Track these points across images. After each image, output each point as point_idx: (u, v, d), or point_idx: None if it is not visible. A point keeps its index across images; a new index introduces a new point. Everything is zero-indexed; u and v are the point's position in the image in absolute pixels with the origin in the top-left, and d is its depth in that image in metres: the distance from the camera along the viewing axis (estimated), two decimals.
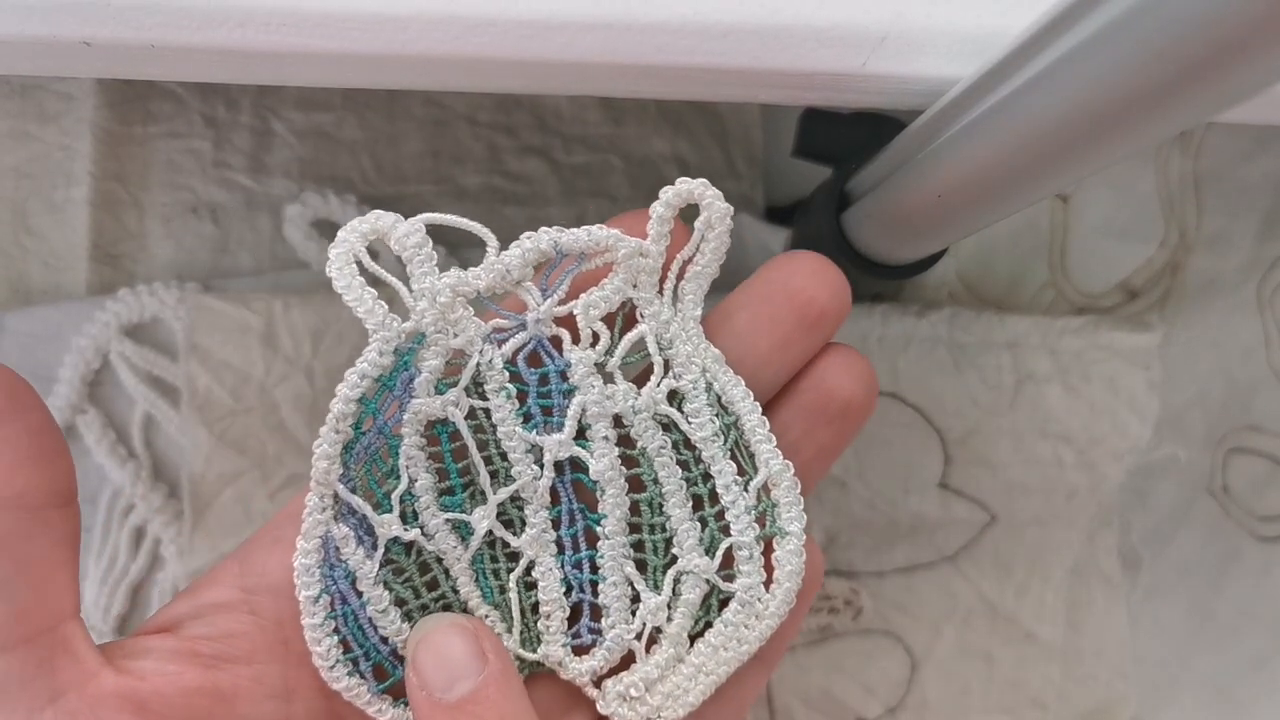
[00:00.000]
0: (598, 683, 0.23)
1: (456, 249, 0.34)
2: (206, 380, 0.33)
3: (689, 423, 0.23)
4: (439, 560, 0.22)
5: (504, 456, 0.22)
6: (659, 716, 0.22)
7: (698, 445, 0.23)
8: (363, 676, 0.22)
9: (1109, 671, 0.35)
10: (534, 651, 0.23)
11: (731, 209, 0.23)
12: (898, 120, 0.28)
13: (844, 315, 0.23)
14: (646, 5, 0.21)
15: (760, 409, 0.23)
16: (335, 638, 0.22)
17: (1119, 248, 0.37)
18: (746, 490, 0.23)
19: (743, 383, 0.23)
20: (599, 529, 0.23)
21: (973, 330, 0.34)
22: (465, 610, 0.23)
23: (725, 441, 0.23)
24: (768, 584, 0.23)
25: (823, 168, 0.30)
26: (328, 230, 0.36)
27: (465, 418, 0.22)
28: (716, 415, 0.23)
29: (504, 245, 0.22)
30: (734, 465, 0.23)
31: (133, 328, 0.34)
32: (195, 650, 0.21)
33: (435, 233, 0.22)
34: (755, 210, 0.37)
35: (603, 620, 0.23)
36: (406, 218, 0.21)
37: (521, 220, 0.37)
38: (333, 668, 0.22)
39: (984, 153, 0.21)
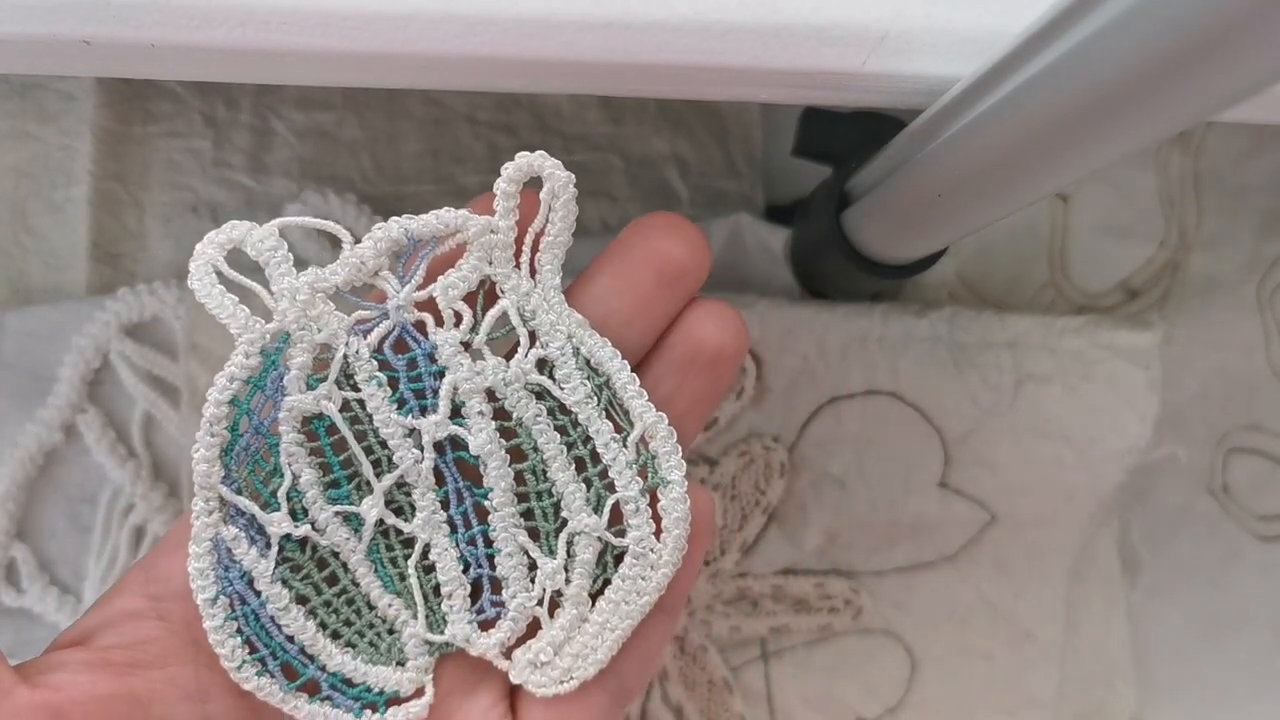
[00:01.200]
0: (508, 654, 0.23)
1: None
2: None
3: (561, 388, 0.23)
4: (335, 554, 0.23)
5: (384, 444, 0.23)
6: (571, 678, 0.23)
7: (572, 409, 0.23)
8: (272, 675, 0.22)
9: (1109, 671, 0.35)
10: (442, 633, 0.23)
11: (573, 176, 0.23)
12: (897, 120, 0.28)
13: (704, 270, 0.23)
14: (646, 5, 0.21)
15: (629, 367, 0.23)
16: (239, 638, 0.22)
17: (1119, 248, 0.37)
18: (625, 446, 0.23)
19: (609, 344, 0.23)
20: (487, 503, 0.23)
21: (973, 330, 0.34)
22: (368, 603, 0.23)
23: (599, 402, 0.23)
24: (658, 534, 0.23)
25: (823, 167, 0.30)
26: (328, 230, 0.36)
27: (340, 410, 0.22)
28: (587, 378, 0.23)
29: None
30: (610, 424, 0.23)
31: (133, 327, 0.34)
32: (108, 659, 0.21)
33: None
34: (755, 210, 0.37)
35: (504, 592, 0.23)
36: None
37: None
38: (239, 668, 0.22)
39: (984, 152, 0.21)
